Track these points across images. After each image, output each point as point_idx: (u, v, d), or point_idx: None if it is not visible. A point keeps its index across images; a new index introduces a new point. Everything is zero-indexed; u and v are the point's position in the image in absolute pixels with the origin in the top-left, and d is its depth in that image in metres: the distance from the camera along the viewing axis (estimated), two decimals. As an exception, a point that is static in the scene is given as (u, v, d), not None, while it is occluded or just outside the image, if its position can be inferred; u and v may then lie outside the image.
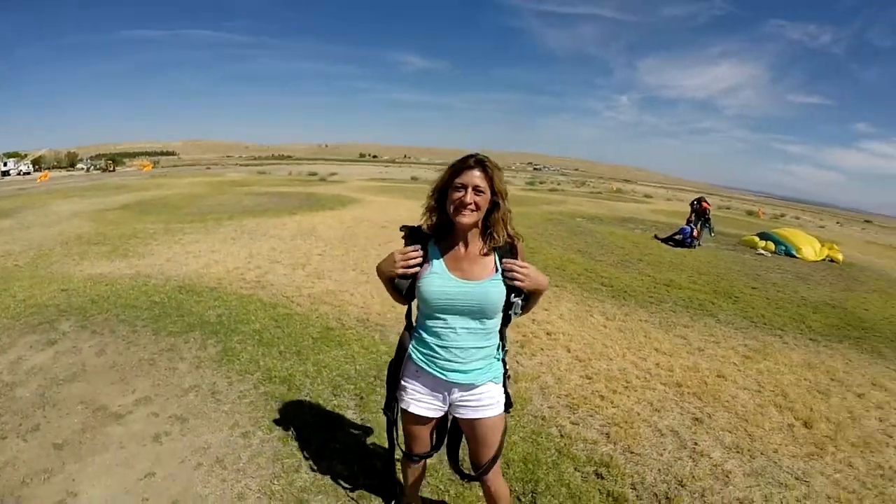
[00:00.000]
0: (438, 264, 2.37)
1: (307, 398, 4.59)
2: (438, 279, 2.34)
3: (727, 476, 3.94)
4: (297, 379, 4.91)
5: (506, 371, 2.60)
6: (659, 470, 3.94)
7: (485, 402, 2.49)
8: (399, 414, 2.66)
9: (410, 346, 2.52)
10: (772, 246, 15.78)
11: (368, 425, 4.22)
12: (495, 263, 2.38)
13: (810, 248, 15.47)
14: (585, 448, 4.14)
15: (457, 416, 2.58)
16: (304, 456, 3.77)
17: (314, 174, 49.67)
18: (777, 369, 6.16)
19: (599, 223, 19.73)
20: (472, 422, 2.52)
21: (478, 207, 2.27)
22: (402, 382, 2.57)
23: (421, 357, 2.47)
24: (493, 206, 2.34)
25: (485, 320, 2.38)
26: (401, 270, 2.34)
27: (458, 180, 2.27)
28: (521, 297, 2.38)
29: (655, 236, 17.05)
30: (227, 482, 3.49)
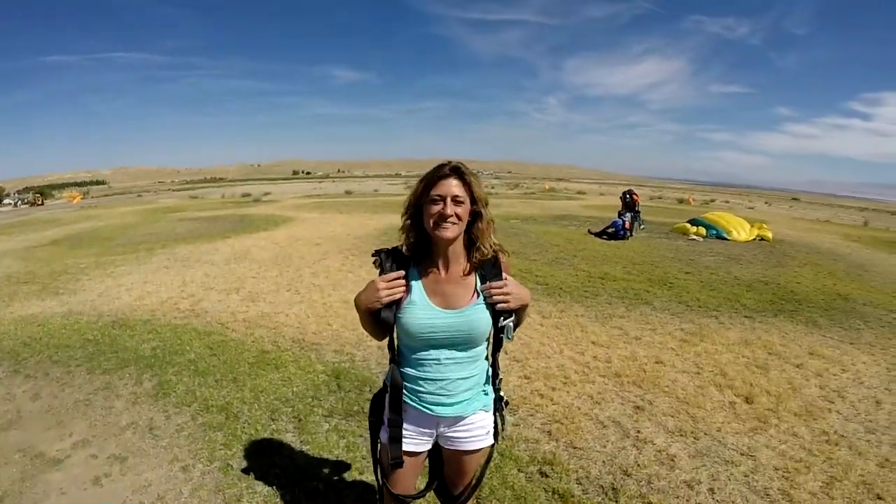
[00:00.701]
0: (417, 291, 2.15)
1: (245, 425, 4.44)
2: (419, 311, 2.12)
3: (672, 460, 3.95)
4: (234, 406, 4.76)
5: (502, 399, 2.43)
6: (603, 462, 3.92)
7: (474, 434, 2.31)
8: (381, 451, 2.38)
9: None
10: (703, 231, 16.16)
11: (307, 447, 4.10)
12: (476, 282, 2.18)
13: (740, 230, 15.86)
14: (528, 448, 4.09)
15: (445, 448, 2.39)
16: (245, 485, 3.63)
17: (248, 195, 49.02)
18: (715, 349, 6.26)
19: (534, 223, 19.86)
20: (458, 453, 2.35)
21: (459, 219, 2.07)
22: (388, 418, 2.30)
23: (406, 392, 2.24)
24: (475, 216, 2.15)
25: (471, 349, 2.19)
26: (387, 300, 2.09)
27: (434, 192, 2.06)
28: (510, 319, 2.16)
29: (589, 231, 17.24)
30: (169, 519, 3.35)
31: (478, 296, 2.15)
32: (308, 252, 12.76)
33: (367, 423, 2.38)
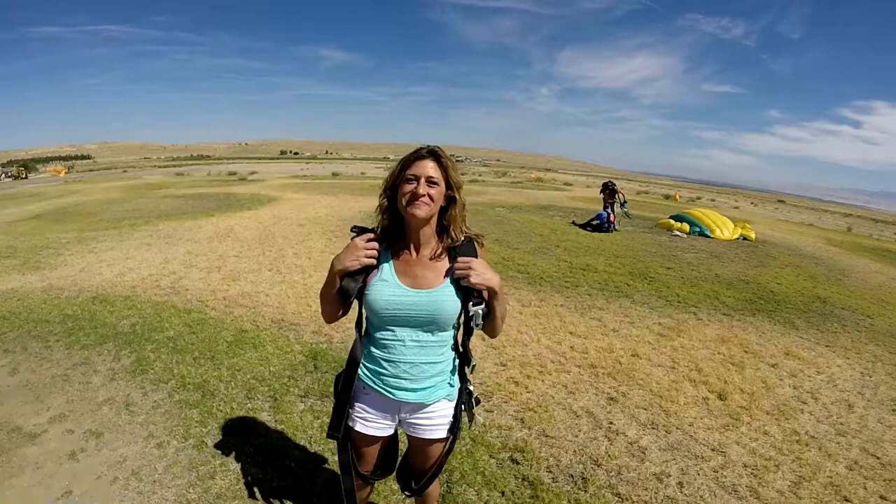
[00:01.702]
0: (388, 270, 2.17)
1: (221, 403, 4.43)
2: (387, 287, 2.13)
3: (643, 452, 3.98)
4: (211, 385, 4.75)
5: (472, 394, 2.44)
6: (574, 451, 3.95)
7: (435, 422, 2.33)
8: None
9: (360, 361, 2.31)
10: (686, 227, 16.20)
11: (281, 426, 4.10)
12: (450, 266, 2.18)
13: (724, 228, 15.93)
14: (500, 435, 4.11)
15: (407, 432, 2.41)
16: (219, 462, 3.64)
17: (234, 174, 48.60)
18: (691, 345, 6.30)
19: (519, 212, 19.83)
20: (420, 441, 2.38)
21: (432, 200, 2.09)
22: (336, 391, 2.37)
23: (368, 374, 2.27)
24: (449, 200, 2.18)
25: (438, 332, 2.20)
26: (365, 260, 2.11)
27: (410, 171, 2.09)
28: (480, 306, 2.15)
29: (573, 223, 17.26)
30: (143, 494, 3.36)
31: (447, 279, 2.16)
32: (292, 232, 12.72)
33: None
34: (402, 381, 2.21)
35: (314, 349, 5.55)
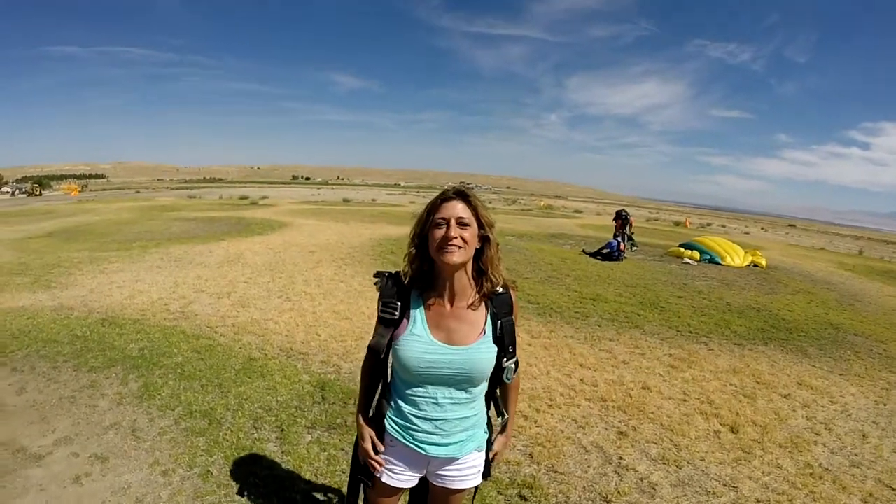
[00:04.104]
0: (419, 323, 2.03)
1: (228, 432, 4.40)
2: (419, 343, 1.99)
3: (654, 488, 3.92)
4: (217, 413, 4.72)
5: (492, 435, 2.34)
6: (584, 488, 3.89)
7: (465, 474, 2.21)
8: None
9: (386, 414, 2.18)
10: (697, 255, 16.18)
11: (287, 458, 4.06)
12: (486, 318, 2.06)
13: (734, 256, 15.91)
14: (508, 470, 4.05)
15: (433, 483, 2.27)
16: (224, 493, 3.61)
17: (245, 197, 48.86)
18: (702, 376, 6.23)
19: (529, 240, 19.84)
20: (446, 490, 2.25)
21: (465, 242, 1.94)
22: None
23: (396, 428, 2.13)
24: (483, 241, 2.04)
25: (472, 388, 2.07)
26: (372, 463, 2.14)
27: (438, 215, 1.97)
28: (513, 359, 2.12)
29: (583, 251, 17.23)
30: (147, 523, 3.32)
31: (485, 333, 2.04)
32: (302, 259, 12.74)
33: (349, 436, 2.32)
34: (434, 436, 2.09)
35: (322, 379, 5.51)
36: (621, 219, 17.60)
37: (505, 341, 2.07)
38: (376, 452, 2.19)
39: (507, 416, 2.35)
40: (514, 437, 4.55)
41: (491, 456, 2.31)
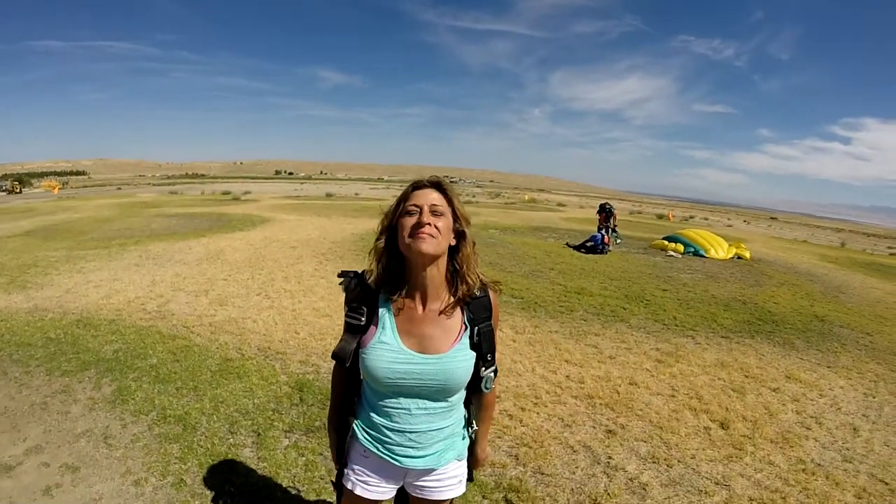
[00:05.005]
0: (388, 329, 1.86)
1: (202, 438, 4.27)
2: (388, 352, 1.83)
3: (644, 489, 3.83)
4: (192, 417, 4.58)
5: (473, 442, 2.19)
6: (572, 490, 3.78)
7: (445, 484, 2.05)
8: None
9: (355, 423, 2.04)
10: (681, 248, 16.21)
11: (264, 464, 3.93)
12: (463, 322, 1.90)
13: (718, 248, 15.96)
14: (493, 473, 3.93)
15: (411, 493, 2.11)
16: (198, 503, 3.48)
17: (227, 193, 48.68)
18: (690, 371, 6.17)
19: (512, 234, 19.83)
20: (426, 501, 2.10)
21: (439, 232, 1.78)
22: (346, 461, 2.10)
23: (368, 438, 1.97)
24: (458, 237, 1.88)
25: (447, 398, 1.92)
26: None
27: (410, 203, 1.82)
28: (491, 368, 1.97)
29: (567, 244, 17.20)
30: (118, 536, 3.19)
31: (460, 340, 1.88)
32: (282, 255, 12.60)
33: (328, 440, 2.16)
34: (409, 448, 1.93)
35: (301, 380, 5.37)
36: (605, 212, 17.60)
37: (483, 349, 1.92)
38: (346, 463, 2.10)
39: (474, 429, 2.17)
40: (499, 437, 4.44)
41: (474, 459, 2.20)
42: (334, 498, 2.27)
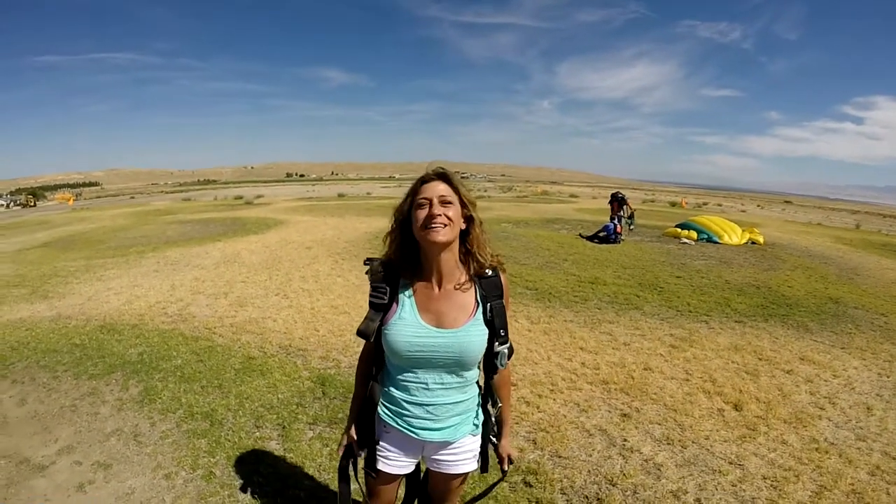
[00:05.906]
0: (408, 307, 2.01)
1: (229, 432, 4.38)
2: (407, 327, 1.98)
3: (659, 469, 3.90)
4: (219, 413, 4.70)
5: (494, 429, 2.31)
6: (588, 471, 3.87)
7: (461, 457, 2.19)
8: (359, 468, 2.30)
9: (378, 403, 2.17)
10: (694, 235, 16.14)
11: (290, 455, 4.04)
12: (476, 299, 2.03)
13: (732, 234, 15.91)
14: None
15: (431, 469, 2.27)
16: (227, 493, 3.59)
17: (240, 197, 48.85)
18: (704, 355, 6.22)
19: (525, 227, 19.81)
20: (444, 475, 2.24)
21: (450, 220, 1.92)
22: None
23: (388, 413, 2.12)
24: (468, 221, 2.02)
25: (462, 372, 2.05)
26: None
27: (420, 196, 1.95)
28: (505, 345, 2.07)
29: (580, 235, 17.18)
30: (151, 527, 3.31)
31: (474, 315, 2.01)
32: (298, 256, 12.71)
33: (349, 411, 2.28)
34: (426, 421, 2.07)
35: (322, 375, 5.49)
36: (617, 201, 17.56)
37: (496, 324, 2.04)
38: (357, 449, 2.25)
39: (500, 405, 2.29)
40: (517, 423, 4.54)
41: (503, 456, 2.35)
42: (359, 484, 2.34)
